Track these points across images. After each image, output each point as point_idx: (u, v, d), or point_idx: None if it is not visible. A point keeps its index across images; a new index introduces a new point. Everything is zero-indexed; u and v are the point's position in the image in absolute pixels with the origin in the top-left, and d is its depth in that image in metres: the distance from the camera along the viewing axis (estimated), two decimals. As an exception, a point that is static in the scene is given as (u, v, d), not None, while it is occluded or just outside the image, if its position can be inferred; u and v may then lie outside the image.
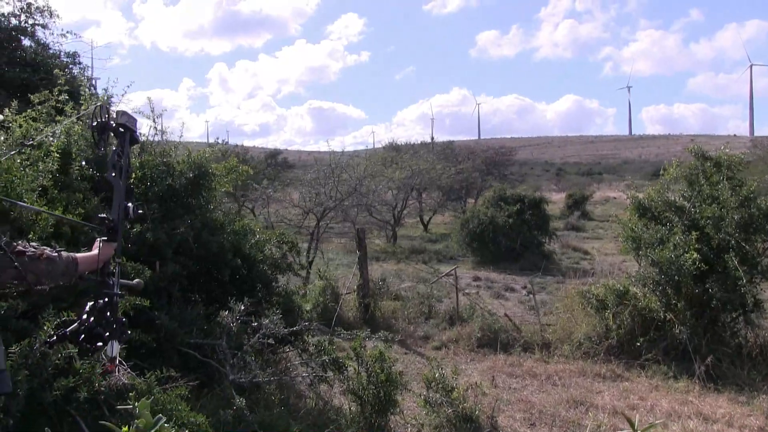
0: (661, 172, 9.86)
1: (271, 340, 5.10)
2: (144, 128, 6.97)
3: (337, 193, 16.17)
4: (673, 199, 9.26)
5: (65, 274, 2.55)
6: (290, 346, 6.56)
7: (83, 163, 5.39)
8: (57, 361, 3.74)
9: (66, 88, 5.90)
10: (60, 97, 5.82)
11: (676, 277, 8.38)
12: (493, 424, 5.87)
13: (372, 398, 5.75)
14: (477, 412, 5.73)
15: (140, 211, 2.85)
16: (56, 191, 4.87)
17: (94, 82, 13.21)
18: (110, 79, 19.49)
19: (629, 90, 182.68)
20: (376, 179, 19.81)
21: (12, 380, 2.22)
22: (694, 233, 8.43)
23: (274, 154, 48.32)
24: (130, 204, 2.73)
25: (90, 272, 2.66)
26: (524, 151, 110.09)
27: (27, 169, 4.63)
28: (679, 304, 8.53)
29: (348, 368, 6.01)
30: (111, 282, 2.60)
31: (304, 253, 14.64)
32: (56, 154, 5.01)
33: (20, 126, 5.13)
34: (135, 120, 2.80)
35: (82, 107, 5.98)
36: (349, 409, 6.05)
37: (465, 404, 5.76)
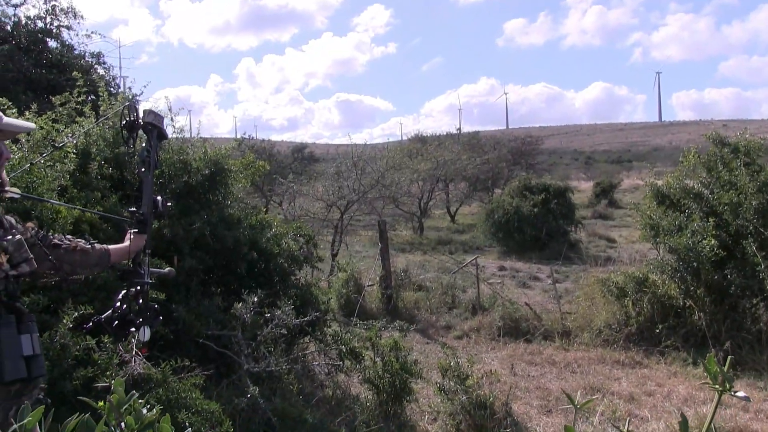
0: (681, 159, 9.83)
1: (284, 331, 5.22)
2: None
3: (360, 186, 16.26)
4: (691, 185, 9.22)
5: (98, 265, 2.77)
6: (309, 337, 6.70)
7: (102, 162, 5.56)
8: (76, 353, 3.91)
9: (85, 89, 6.07)
10: (79, 99, 5.99)
11: (695, 264, 8.37)
12: (507, 410, 5.93)
13: (387, 386, 5.87)
14: (491, 399, 5.80)
15: (168, 204, 3.01)
16: (75, 190, 5.04)
17: (119, 81, 13.47)
18: (135, 79, 19.82)
19: (659, 76, 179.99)
20: (400, 171, 19.82)
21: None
22: (712, 220, 8.40)
23: (300, 148, 48.68)
24: (158, 197, 2.89)
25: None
26: (553, 140, 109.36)
27: (47, 170, 4.80)
28: (698, 291, 8.52)
29: (364, 358, 6.14)
30: (142, 271, 2.75)
31: (329, 246, 14.81)
32: (73, 155, 5.18)
33: (41, 128, 5.30)
34: (162, 117, 2.94)
35: (101, 108, 6.15)
36: (366, 397, 6.17)
37: (479, 391, 5.84)
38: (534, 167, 38.05)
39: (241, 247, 5.96)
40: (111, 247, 2.81)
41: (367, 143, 18.71)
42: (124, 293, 2.66)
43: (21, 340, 2.21)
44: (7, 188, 2.38)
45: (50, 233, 2.68)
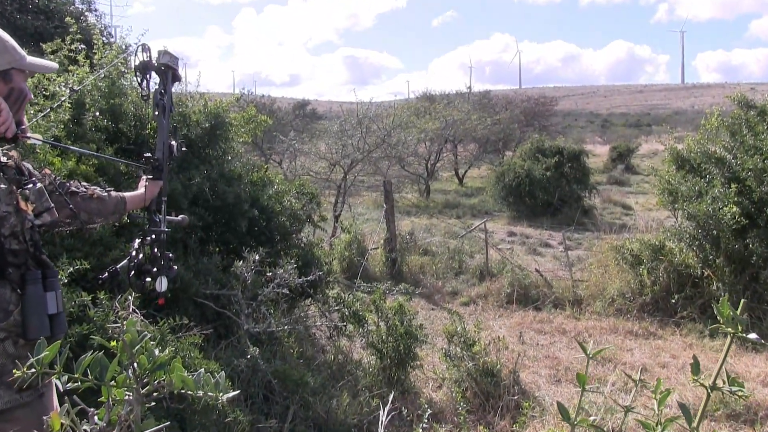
0: (702, 122, 9.78)
1: (285, 290, 5.29)
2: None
3: (364, 145, 16.25)
4: (713, 150, 9.16)
5: (115, 213, 2.78)
6: (311, 300, 6.78)
7: (97, 113, 5.58)
8: (71, 309, 3.98)
9: (79, 36, 6.06)
10: (73, 46, 5.98)
11: (715, 232, 8.39)
12: (515, 379, 6.03)
13: (391, 351, 5.96)
14: (498, 367, 5.89)
15: (183, 149, 3.03)
16: (69, 142, 5.06)
17: (111, 30, 13.39)
18: (131, 27, 19.71)
19: (683, 35, 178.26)
20: (406, 130, 19.75)
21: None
22: (734, 186, 8.36)
23: (302, 104, 48.33)
24: (173, 142, 2.90)
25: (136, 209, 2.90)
26: (568, 101, 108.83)
27: (39, 120, 4.81)
28: (717, 260, 8.54)
29: (368, 321, 6.22)
30: (158, 219, 2.79)
31: (331, 208, 14.86)
32: (68, 105, 5.20)
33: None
34: (177, 59, 2.91)
35: (95, 57, 6.14)
36: (368, 362, 6.27)
37: (486, 358, 5.93)
38: (547, 129, 37.80)
39: (241, 204, 6.00)
40: (127, 194, 2.84)
41: (373, 100, 18.46)
42: (140, 242, 2.70)
43: (47, 298, 2.26)
44: (29, 133, 2.39)
45: (73, 180, 2.71)
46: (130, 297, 3.80)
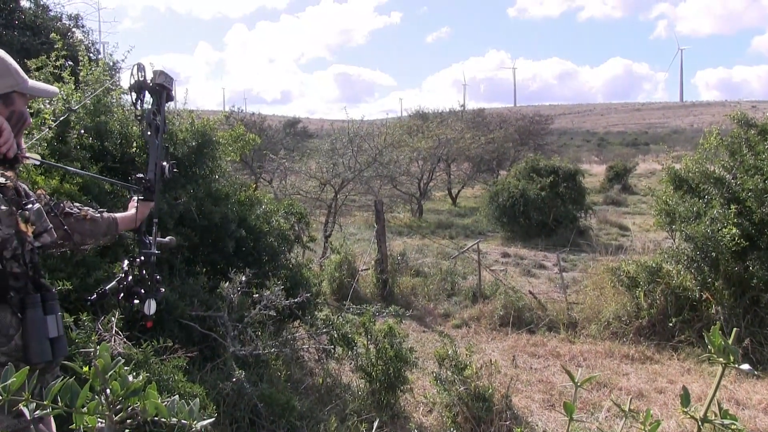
0: (701, 141, 9.80)
1: (272, 312, 5.27)
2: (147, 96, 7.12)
3: (356, 164, 16.27)
4: (712, 169, 9.19)
5: (107, 234, 2.77)
6: (299, 321, 6.76)
7: (82, 131, 5.57)
8: (53, 330, 3.95)
9: (64, 52, 6.06)
10: (58, 63, 5.98)
11: (713, 254, 8.38)
12: (507, 403, 6.00)
13: (381, 375, 5.94)
14: (491, 391, 5.87)
15: (175, 170, 3.04)
16: (53, 160, 5.05)
17: (99, 46, 13.41)
18: (117, 44, 19.71)
19: (681, 53, 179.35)
20: (398, 149, 19.79)
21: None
22: (733, 207, 8.38)
23: (293, 122, 48.50)
24: (165, 163, 2.91)
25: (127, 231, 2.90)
26: (564, 120, 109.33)
27: (23, 138, 4.79)
28: (716, 283, 8.54)
29: (357, 344, 6.20)
30: (147, 241, 2.80)
31: (321, 228, 14.85)
32: (51, 121, 5.19)
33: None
34: (172, 79, 2.95)
35: (81, 74, 6.15)
36: (358, 386, 6.24)
37: (478, 383, 5.91)
38: (543, 148, 37.92)
39: (228, 224, 6.00)
40: (118, 215, 2.84)
41: (365, 119, 18.49)
42: (129, 263, 2.72)
43: (47, 321, 2.26)
44: (26, 154, 2.40)
45: (65, 201, 2.70)
46: (113, 318, 3.79)
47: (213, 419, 1.33)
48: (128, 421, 1.32)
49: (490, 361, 6.53)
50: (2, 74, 2.28)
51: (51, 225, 2.35)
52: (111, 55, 7.41)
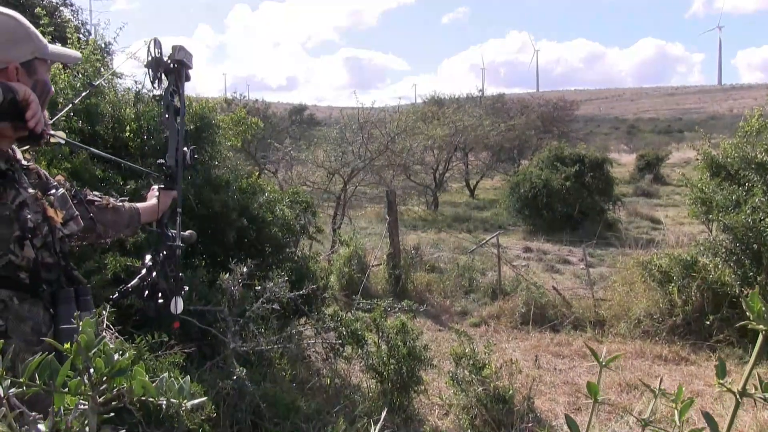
0: (741, 123, 9.70)
1: (276, 306, 5.25)
2: (140, 76, 7.12)
3: (366, 152, 16.24)
4: (753, 154, 9.06)
5: (129, 226, 2.75)
6: (306, 318, 6.73)
7: (71, 114, 5.56)
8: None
9: (51, 29, 6.04)
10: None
11: (755, 246, 8.27)
12: (529, 406, 5.97)
13: (393, 374, 5.91)
14: (511, 392, 5.83)
15: (196, 156, 2.98)
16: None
17: (90, 27, 13.42)
18: (109, 20, 19.68)
19: (720, 30, 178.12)
20: (412, 136, 19.75)
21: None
22: (777, 194, 8.30)
23: (299, 109, 48.54)
24: (186, 149, 2.86)
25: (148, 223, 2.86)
26: (590, 106, 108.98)
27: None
28: (758, 278, 8.43)
29: (367, 341, 6.17)
30: (171, 233, 2.75)
31: (329, 221, 14.85)
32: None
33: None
34: (191, 55, 2.87)
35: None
36: (368, 387, 6.22)
37: (498, 383, 5.87)
38: (567, 136, 37.71)
39: (229, 213, 5.97)
40: (140, 205, 2.80)
41: (374, 105, 18.37)
42: (152, 258, 2.65)
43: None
44: (51, 131, 2.31)
45: (85, 189, 2.62)
46: (104, 312, 3.77)
47: (204, 399, 1.31)
48: (113, 402, 1.29)
49: (511, 360, 6.50)
50: (22, 39, 2.20)
51: (77, 212, 2.32)
52: (103, 34, 7.35)
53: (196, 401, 1.29)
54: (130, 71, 13.83)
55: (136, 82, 6.44)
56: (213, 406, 4.14)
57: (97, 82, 5.14)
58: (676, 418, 1.46)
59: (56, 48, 2.38)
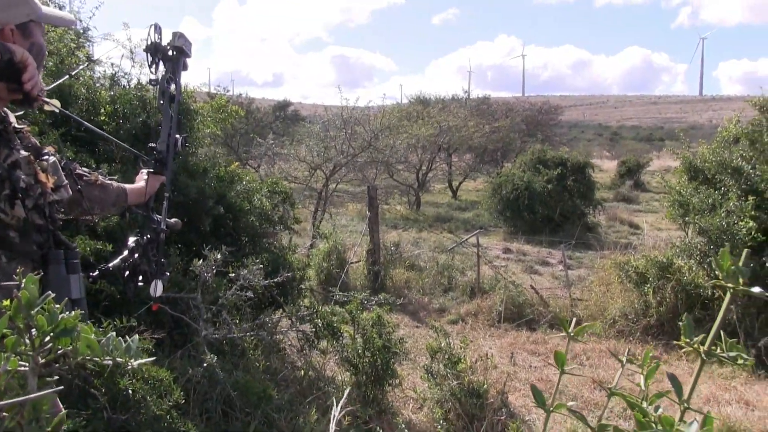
0: (719, 129, 9.75)
1: (250, 293, 5.19)
2: (116, 59, 7.01)
3: (349, 148, 16.19)
4: (730, 159, 9.09)
5: (115, 204, 2.77)
6: (282, 310, 6.66)
7: (44, 93, 5.46)
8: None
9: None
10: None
11: (728, 248, 8.29)
12: (503, 400, 5.95)
13: (368, 367, 5.86)
14: (486, 387, 5.80)
15: (187, 145, 3.02)
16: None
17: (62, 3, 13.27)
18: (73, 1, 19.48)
19: (702, 42, 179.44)
20: (395, 134, 19.70)
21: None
22: (751, 198, 8.28)
23: (283, 105, 48.25)
24: (178, 135, 2.93)
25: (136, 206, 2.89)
26: (575, 111, 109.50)
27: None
28: (730, 280, 8.45)
29: (343, 334, 6.12)
30: (156, 217, 2.81)
31: (310, 218, 14.78)
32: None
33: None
34: (191, 43, 2.91)
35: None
36: (342, 379, 6.17)
37: (472, 377, 5.85)
38: (551, 140, 37.81)
39: (205, 200, 5.89)
40: (128, 186, 2.83)
41: (359, 102, 18.33)
42: (136, 240, 2.69)
43: (70, 281, 2.24)
44: (46, 98, 2.31)
45: (73, 162, 2.64)
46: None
47: (153, 359, 1.26)
48: (56, 365, 1.24)
49: (486, 355, 6.47)
50: (18, 1, 2.19)
51: (66, 181, 2.33)
52: (77, 12, 7.20)
53: (143, 360, 1.24)
54: (107, 56, 13.71)
55: (113, 65, 6.34)
56: (182, 393, 4.07)
57: (96, 58, 5.08)
58: (642, 383, 1.44)
59: (50, 10, 2.39)
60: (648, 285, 8.94)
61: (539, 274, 13.45)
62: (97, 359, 1.22)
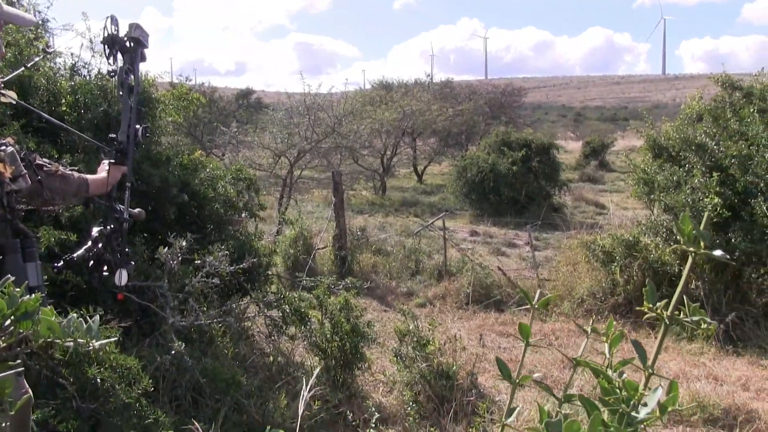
0: (682, 106, 9.79)
1: (216, 280, 5.17)
2: (76, 49, 6.93)
3: (313, 134, 16.15)
4: (693, 136, 9.10)
5: (76, 195, 2.78)
6: (249, 297, 6.64)
7: (1, 85, 5.38)
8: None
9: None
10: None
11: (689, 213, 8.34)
12: (472, 381, 5.98)
13: (337, 352, 5.87)
14: (455, 368, 5.83)
15: (148, 135, 3.08)
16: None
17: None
18: None
19: (665, 22, 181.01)
20: (359, 119, 19.68)
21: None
22: (716, 175, 8.24)
23: (245, 93, 47.98)
24: (138, 126, 2.96)
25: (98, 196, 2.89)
26: (538, 93, 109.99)
27: None
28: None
29: (311, 319, 6.12)
30: (119, 207, 2.82)
31: (276, 205, 14.73)
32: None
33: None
34: (147, 34, 2.94)
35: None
36: (311, 364, 6.17)
37: (441, 359, 5.87)
38: (515, 122, 37.98)
39: (169, 189, 5.85)
40: (89, 177, 2.84)
41: (321, 89, 18.30)
42: (99, 230, 2.72)
43: (27, 269, 2.26)
44: (3, 90, 2.30)
45: (34, 153, 2.65)
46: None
47: (115, 339, 1.25)
48: (18, 348, 1.23)
49: (455, 336, 6.50)
50: None
51: (25, 171, 2.32)
52: (35, 2, 7.08)
53: (104, 341, 1.23)
54: (67, 46, 13.50)
55: (72, 55, 6.26)
56: (151, 381, 4.05)
57: (52, 50, 5.02)
58: (606, 351, 1.45)
59: (10, 9, 2.37)
60: (615, 264, 8.97)
61: (506, 256, 13.54)
62: (58, 341, 1.20)
